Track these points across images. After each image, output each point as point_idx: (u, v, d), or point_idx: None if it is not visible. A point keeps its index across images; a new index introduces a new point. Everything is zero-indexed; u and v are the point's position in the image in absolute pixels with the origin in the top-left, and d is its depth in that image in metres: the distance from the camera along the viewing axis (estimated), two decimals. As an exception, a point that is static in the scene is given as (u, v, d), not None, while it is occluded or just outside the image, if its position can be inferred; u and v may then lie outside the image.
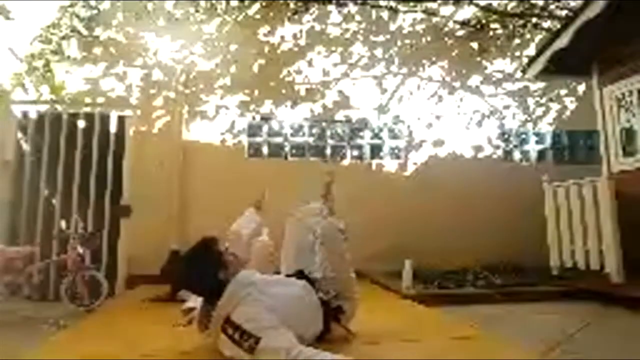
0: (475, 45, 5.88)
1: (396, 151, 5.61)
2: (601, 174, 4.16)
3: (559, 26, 4.63)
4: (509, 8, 5.98)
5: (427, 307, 3.30)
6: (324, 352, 1.62)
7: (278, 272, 2.49)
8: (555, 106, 5.95)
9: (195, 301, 2.68)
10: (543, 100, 5.94)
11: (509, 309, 3.46)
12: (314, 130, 5.47)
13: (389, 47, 5.73)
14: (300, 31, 5.58)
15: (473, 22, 5.85)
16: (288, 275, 2.22)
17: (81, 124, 5.00)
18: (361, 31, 5.71)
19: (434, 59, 5.79)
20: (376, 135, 5.61)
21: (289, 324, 1.76)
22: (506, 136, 5.85)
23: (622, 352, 2.36)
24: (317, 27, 5.63)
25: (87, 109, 5.01)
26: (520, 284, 4.10)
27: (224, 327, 1.76)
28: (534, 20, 5.96)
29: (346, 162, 5.45)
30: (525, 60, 5.55)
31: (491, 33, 5.90)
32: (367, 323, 2.32)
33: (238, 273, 1.94)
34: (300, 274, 2.18)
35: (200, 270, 1.89)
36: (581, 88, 5.94)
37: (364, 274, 4.09)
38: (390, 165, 5.52)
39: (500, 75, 5.91)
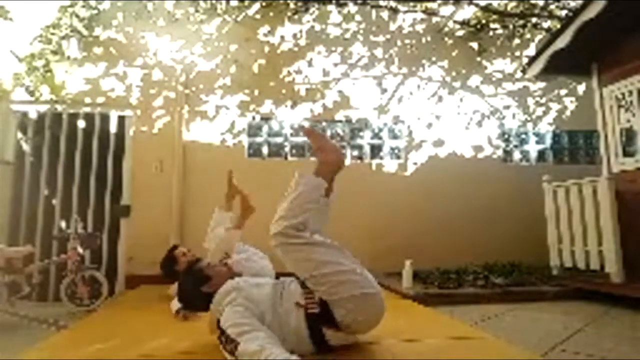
0: (475, 45, 5.88)
1: (396, 151, 5.61)
2: (601, 174, 4.15)
3: (559, 26, 4.62)
4: (509, 8, 5.98)
5: (427, 307, 3.30)
6: (293, 354, 1.62)
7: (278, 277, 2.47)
8: (555, 106, 5.95)
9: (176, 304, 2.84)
10: (543, 100, 5.94)
11: (509, 309, 3.47)
12: (314, 130, 5.47)
13: (389, 47, 5.73)
14: (300, 31, 5.58)
15: (473, 22, 5.85)
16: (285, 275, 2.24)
17: (81, 124, 5.01)
18: (361, 31, 5.71)
19: (434, 59, 5.79)
20: (376, 135, 5.61)
21: (275, 325, 1.82)
22: (506, 136, 5.85)
23: (622, 352, 2.36)
24: (317, 27, 5.63)
25: (87, 109, 5.01)
26: (520, 284, 4.10)
27: (217, 330, 1.87)
28: (534, 20, 5.96)
29: (346, 162, 5.44)
30: (525, 60, 5.55)
31: (491, 33, 5.90)
32: (367, 323, 2.32)
33: (225, 279, 2.04)
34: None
35: (188, 291, 2.13)
36: (581, 88, 5.95)
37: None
38: (390, 165, 5.52)
39: (500, 75, 5.91)
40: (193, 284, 2.08)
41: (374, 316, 1.93)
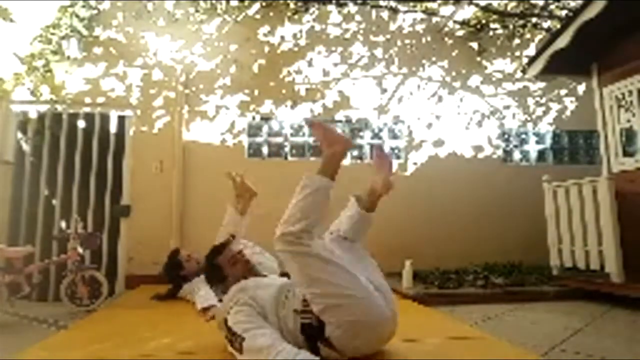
0: (475, 45, 5.88)
1: (396, 151, 5.61)
2: (601, 174, 4.15)
3: (559, 26, 4.62)
4: (509, 8, 5.98)
5: (427, 307, 3.30)
6: (304, 351, 1.64)
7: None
8: (555, 106, 5.95)
9: (206, 300, 2.81)
10: (543, 100, 5.94)
11: (508, 309, 3.47)
12: (314, 130, 5.47)
13: (389, 47, 5.73)
14: (300, 31, 5.58)
15: (473, 22, 5.85)
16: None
17: (81, 124, 5.01)
18: (361, 31, 5.71)
19: (434, 59, 5.79)
20: (376, 135, 5.61)
21: (275, 327, 1.79)
22: (506, 136, 5.85)
23: (622, 352, 2.36)
24: (317, 27, 5.63)
25: (87, 109, 5.01)
26: (520, 284, 4.10)
27: (223, 328, 1.88)
28: (534, 20, 5.96)
29: (346, 162, 5.45)
30: (525, 60, 5.55)
31: (491, 33, 5.90)
32: (367, 323, 2.32)
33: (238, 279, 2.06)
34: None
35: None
36: (581, 88, 5.95)
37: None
38: (390, 165, 5.51)
39: (500, 75, 5.91)
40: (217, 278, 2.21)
41: (374, 342, 1.83)
